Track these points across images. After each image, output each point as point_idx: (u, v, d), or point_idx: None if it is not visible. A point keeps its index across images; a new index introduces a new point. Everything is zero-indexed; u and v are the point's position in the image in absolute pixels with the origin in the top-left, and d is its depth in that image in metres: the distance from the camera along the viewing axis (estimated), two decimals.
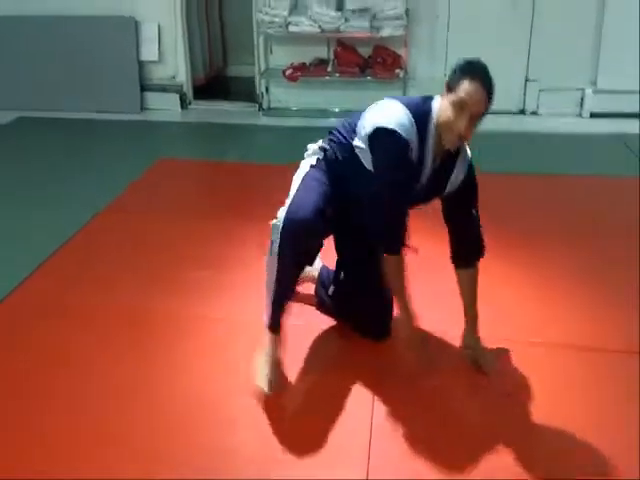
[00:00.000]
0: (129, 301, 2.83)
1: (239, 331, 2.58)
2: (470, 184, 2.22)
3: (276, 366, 2.24)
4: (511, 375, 2.33)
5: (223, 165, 4.59)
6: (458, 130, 2.00)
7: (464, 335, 2.38)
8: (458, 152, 2.16)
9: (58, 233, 3.40)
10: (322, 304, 2.65)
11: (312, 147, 2.36)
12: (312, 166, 2.28)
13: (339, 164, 2.25)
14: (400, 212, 2.14)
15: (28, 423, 2.12)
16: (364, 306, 2.47)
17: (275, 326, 2.24)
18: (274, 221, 2.13)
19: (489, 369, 2.31)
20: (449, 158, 2.15)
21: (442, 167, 2.16)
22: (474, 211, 2.27)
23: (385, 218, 2.14)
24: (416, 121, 2.05)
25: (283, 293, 2.21)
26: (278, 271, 2.14)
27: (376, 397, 2.23)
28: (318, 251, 2.33)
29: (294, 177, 2.28)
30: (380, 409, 2.17)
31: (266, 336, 2.25)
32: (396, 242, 2.13)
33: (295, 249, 2.10)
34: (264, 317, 2.25)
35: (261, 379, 2.20)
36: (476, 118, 2.01)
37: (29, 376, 2.35)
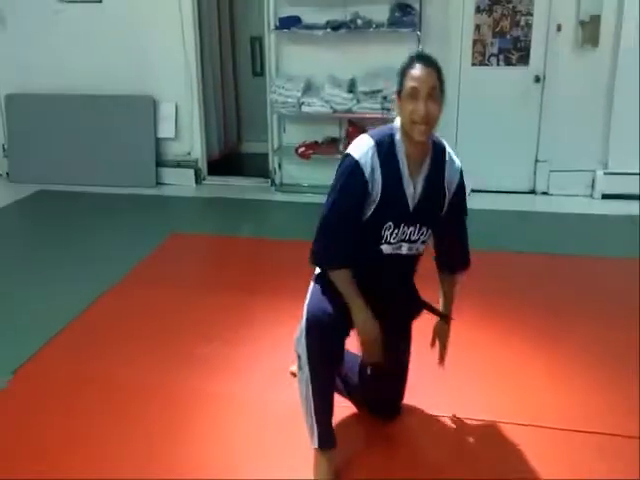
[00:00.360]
0: (136, 375, 2.80)
1: (246, 406, 2.56)
2: (462, 189, 2.23)
3: None
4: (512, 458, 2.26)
5: (236, 240, 4.63)
6: (419, 115, 1.97)
7: (437, 322, 2.42)
8: (444, 158, 2.15)
9: (71, 306, 3.41)
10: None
11: None
12: (318, 276, 2.21)
13: None
14: (334, 229, 2.08)
15: None
16: (382, 392, 2.41)
17: (328, 444, 2.12)
18: (295, 336, 2.09)
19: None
20: (434, 168, 2.13)
21: (431, 181, 2.12)
22: (464, 217, 2.29)
23: (318, 232, 2.10)
24: (378, 141, 2.07)
25: (324, 404, 2.09)
26: (313, 382, 2.04)
27: None
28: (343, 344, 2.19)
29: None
30: None
31: (319, 457, 2.13)
32: (325, 257, 2.10)
33: (323, 349, 2.02)
34: (311, 440, 2.12)
35: None
36: (433, 95, 1.99)
37: (39, 448, 2.32)
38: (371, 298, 2.12)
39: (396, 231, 2.12)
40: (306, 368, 2.04)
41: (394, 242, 2.14)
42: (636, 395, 2.60)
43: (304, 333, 2.02)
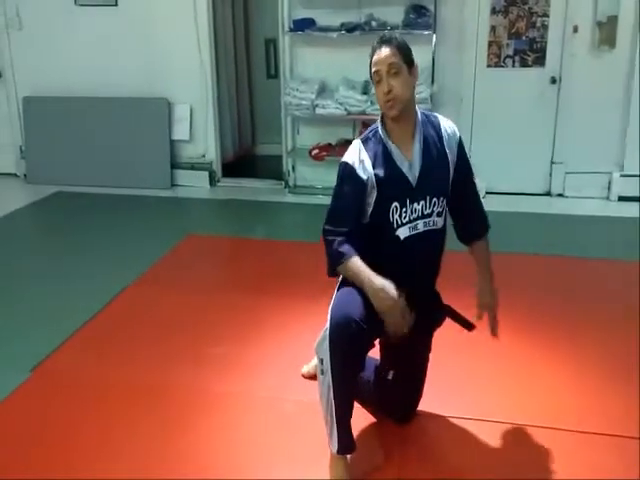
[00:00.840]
0: (149, 374, 2.82)
1: (256, 406, 2.57)
2: (464, 154, 2.26)
3: None
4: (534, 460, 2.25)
5: (250, 241, 4.65)
6: (384, 93, 2.06)
7: (479, 293, 2.35)
8: (439, 130, 2.20)
9: (87, 306, 3.45)
10: None
11: None
12: (342, 282, 2.20)
13: None
14: (334, 233, 2.12)
15: None
16: (399, 395, 2.40)
17: (348, 449, 2.12)
18: (318, 339, 2.07)
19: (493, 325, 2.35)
20: (430, 140, 2.17)
21: (429, 153, 2.17)
22: (473, 181, 2.31)
23: (324, 242, 2.15)
24: (363, 138, 2.18)
25: (345, 409, 2.08)
26: (334, 387, 2.02)
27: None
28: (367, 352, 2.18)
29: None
30: None
31: (336, 460, 2.12)
32: (331, 259, 2.12)
33: (346, 356, 2.00)
34: (330, 444, 2.10)
35: None
36: (392, 72, 2.06)
37: (48, 447, 2.33)
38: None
39: (404, 210, 2.13)
40: (328, 373, 2.02)
41: (407, 222, 2.14)
42: None
43: (327, 339, 2.00)
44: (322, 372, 2.05)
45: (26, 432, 2.46)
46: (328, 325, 2.01)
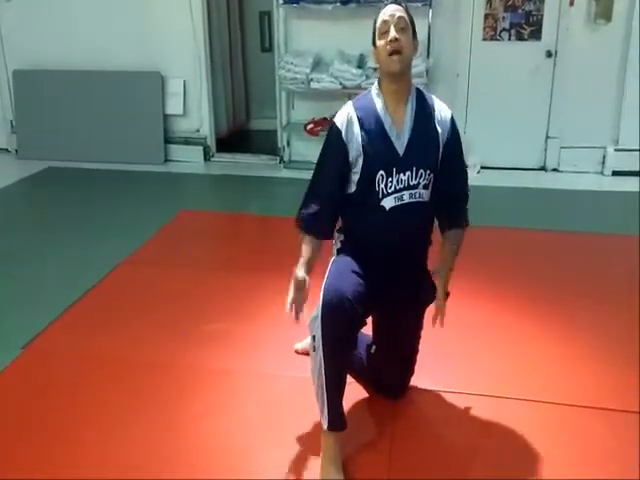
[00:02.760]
0: (143, 351, 2.83)
1: (252, 383, 2.59)
2: (456, 136, 2.24)
3: (341, 466, 2.11)
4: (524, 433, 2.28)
5: (244, 217, 4.64)
6: (391, 41, 2.06)
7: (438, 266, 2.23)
8: (432, 105, 2.20)
9: (79, 283, 3.44)
10: None
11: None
12: (338, 251, 2.26)
13: None
14: (318, 195, 2.21)
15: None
16: (388, 374, 2.42)
17: (338, 426, 2.10)
18: (311, 315, 2.07)
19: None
20: (422, 112, 2.17)
21: (419, 124, 2.16)
22: (463, 173, 2.30)
23: (305, 198, 2.26)
24: (355, 102, 2.19)
25: (336, 386, 2.07)
26: (326, 363, 2.01)
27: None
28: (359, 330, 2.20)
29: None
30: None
31: (327, 438, 2.11)
32: (307, 223, 2.22)
33: (338, 334, 2.01)
34: (322, 421, 2.10)
35: None
36: (402, 26, 2.09)
37: (44, 424, 2.35)
38: (392, 271, 2.18)
39: (390, 179, 2.13)
40: (320, 350, 2.03)
41: (392, 192, 2.14)
42: None
43: (320, 315, 2.01)
44: (314, 349, 2.06)
45: (18, 409, 2.46)
46: (320, 302, 2.02)
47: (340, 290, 2.00)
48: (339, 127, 2.14)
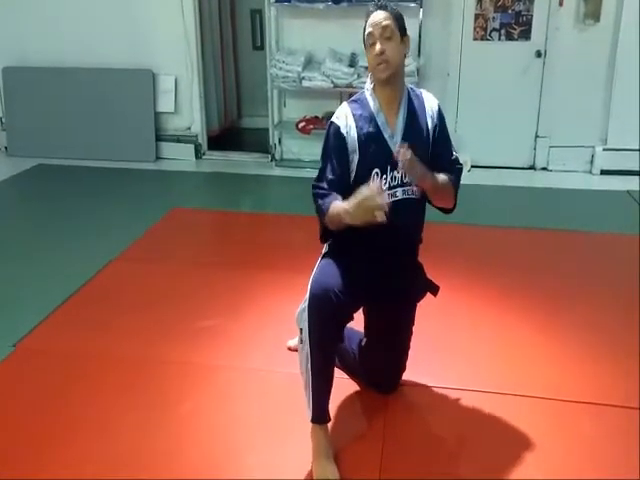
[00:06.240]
0: (138, 349, 2.83)
1: (245, 379, 2.60)
2: (443, 120, 2.29)
3: (332, 458, 2.12)
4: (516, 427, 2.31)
5: (236, 215, 4.65)
6: (376, 53, 2.10)
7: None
8: (422, 101, 2.25)
9: (71, 280, 3.44)
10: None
11: None
12: (325, 254, 2.28)
13: None
14: (317, 187, 2.17)
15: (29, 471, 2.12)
16: (379, 369, 2.45)
17: (321, 419, 2.13)
18: (298, 310, 2.11)
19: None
20: (413, 110, 2.22)
21: (412, 122, 2.21)
22: (453, 158, 2.30)
23: (314, 201, 2.18)
24: (351, 101, 2.24)
25: (322, 380, 2.10)
26: (312, 358, 2.05)
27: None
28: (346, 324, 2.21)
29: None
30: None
31: (317, 432, 2.14)
32: (319, 214, 2.17)
33: (324, 328, 2.04)
34: (307, 413, 2.13)
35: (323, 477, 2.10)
36: (386, 34, 2.11)
37: (34, 421, 2.35)
38: (381, 267, 2.21)
39: (384, 177, 2.17)
40: (307, 343, 2.06)
41: (386, 189, 2.16)
42: (636, 369, 2.63)
43: (306, 310, 2.04)
44: (301, 341, 2.09)
45: (8, 407, 2.46)
46: (307, 296, 2.06)
47: (326, 282, 2.04)
48: (337, 123, 2.18)
